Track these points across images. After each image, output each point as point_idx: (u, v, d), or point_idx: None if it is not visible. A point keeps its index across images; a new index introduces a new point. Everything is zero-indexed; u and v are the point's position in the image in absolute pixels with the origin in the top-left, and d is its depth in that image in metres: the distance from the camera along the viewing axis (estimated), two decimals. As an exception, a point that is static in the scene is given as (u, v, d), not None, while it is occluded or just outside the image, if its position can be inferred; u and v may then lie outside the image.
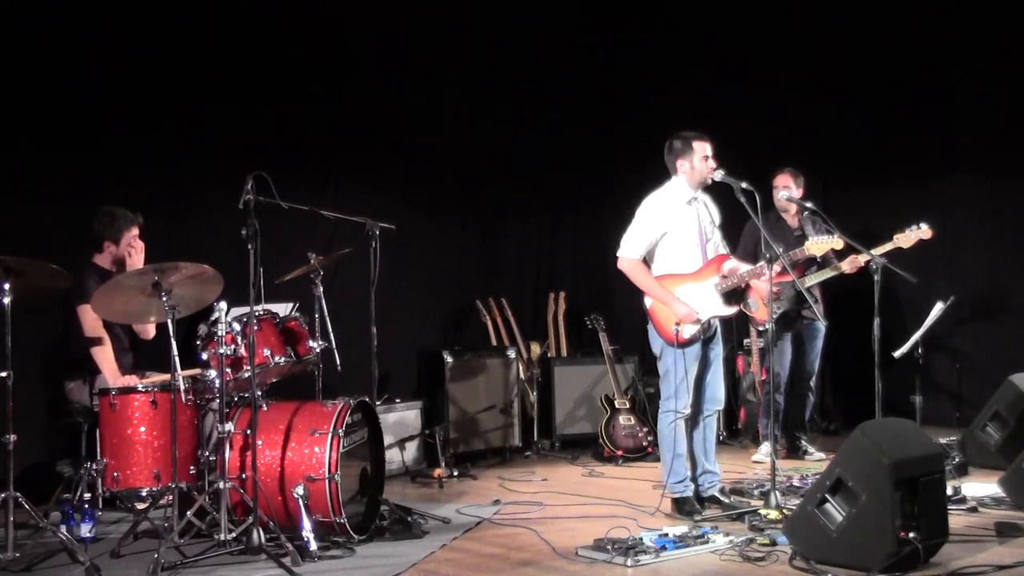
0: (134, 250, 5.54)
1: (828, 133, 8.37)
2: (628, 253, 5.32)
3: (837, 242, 5.99)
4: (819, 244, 6.09)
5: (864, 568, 3.99)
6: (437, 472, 6.51)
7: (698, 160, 5.30)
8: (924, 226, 6.15)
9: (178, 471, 4.64)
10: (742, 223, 6.56)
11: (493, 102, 8.15)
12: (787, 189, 6.65)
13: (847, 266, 6.38)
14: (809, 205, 6.08)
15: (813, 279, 6.55)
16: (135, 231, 5.57)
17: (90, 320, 5.23)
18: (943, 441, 6.27)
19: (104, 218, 5.55)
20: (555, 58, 8.39)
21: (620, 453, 7.07)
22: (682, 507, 5.23)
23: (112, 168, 6.17)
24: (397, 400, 6.95)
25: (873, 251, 5.81)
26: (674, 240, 5.30)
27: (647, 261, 5.36)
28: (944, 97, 7.86)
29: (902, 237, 6.15)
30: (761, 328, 6.83)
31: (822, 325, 6.77)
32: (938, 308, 6.36)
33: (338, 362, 5.42)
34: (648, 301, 5.33)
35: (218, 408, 4.77)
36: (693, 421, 5.37)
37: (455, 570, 4.36)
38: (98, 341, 5.32)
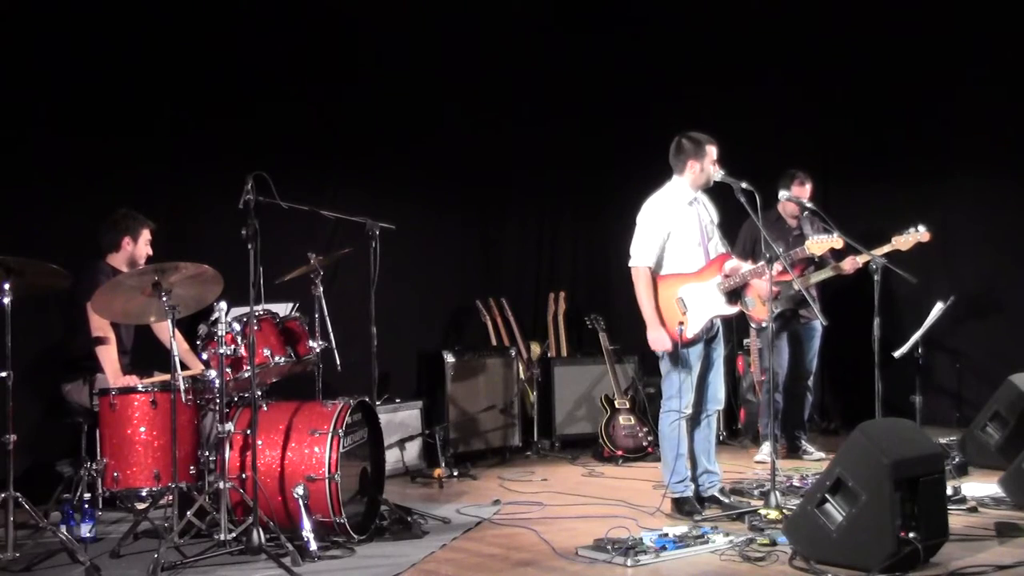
0: (147, 248, 5.57)
1: (828, 133, 8.37)
2: (639, 262, 5.28)
3: (837, 241, 5.99)
4: (819, 243, 6.10)
5: (864, 568, 4.00)
6: (437, 472, 6.50)
7: (708, 163, 5.30)
8: (922, 229, 6.14)
9: (178, 471, 4.64)
10: (740, 222, 6.57)
11: (493, 102, 8.15)
12: (804, 187, 6.64)
13: (847, 266, 6.39)
14: (809, 205, 6.09)
15: (813, 279, 6.56)
16: (148, 232, 5.60)
17: (98, 318, 5.22)
18: (943, 441, 6.28)
19: (124, 218, 5.59)
20: (555, 58, 8.39)
21: (620, 453, 7.07)
22: (682, 507, 5.23)
23: (112, 168, 6.17)
24: (397, 400, 6.95)
25: (862, 256, 5.81)
26: (677, 240, 5.29)
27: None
28: (944, 97, 7.86)
29: (900, 240, 6.14)
30: (756, 327, 6.85)
31: (819, 324, 6.78)
32: (938, 308, 6.36)
33: (338, 362, 5.42)
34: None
35: (218, 408, 4.77)
36: (694, 421, 5.37)
37: (455, 570, 4.36)
38: (103, 340, 5.32)
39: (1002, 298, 7.70)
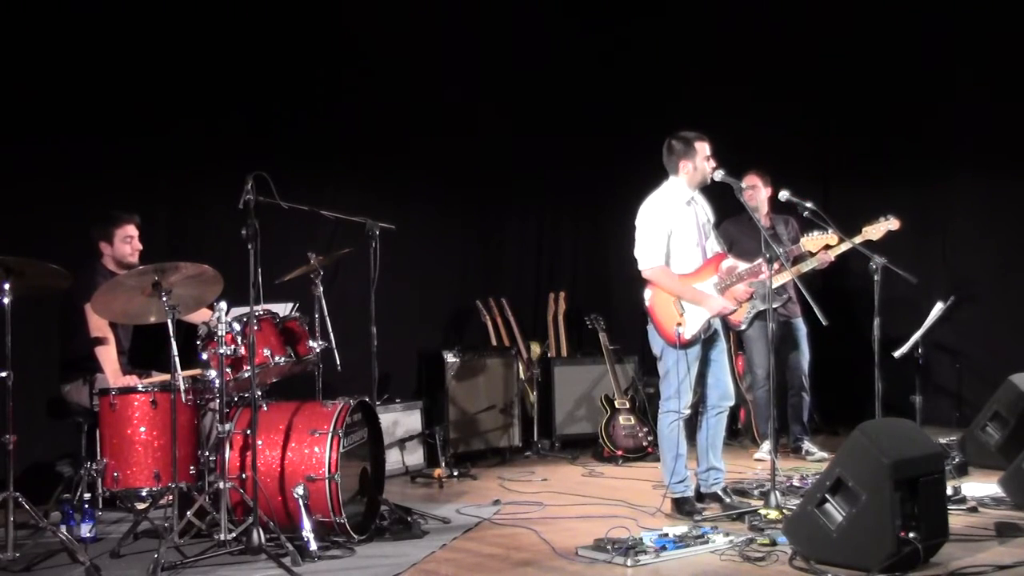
0: (128, 245, 5.54)
1: (828, 133, 8.36)
2: (651, 262, 5.24)
3: (832, 238, 5.99)
4: (814, 240, 6.11)
5: (864, 568, 4.00)
6: (437, 472, 6.51)
7: (701, 160, 5.30)
8: (891, 217, 6.10)
9: (178, 471, 4.64)
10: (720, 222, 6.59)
11: (493, 102, 8.15)
12: (755, 188, 6.67)
13: (816, 262, 6.37)
14: (809, 205, 6.08)
15: (805, 267, 6.48)
16: (128, 229, 5.57)
17: (96, 319, 5.22)
18: (943, 441, 6.27)
19: (97, 223, 5.58)
20: (555, 58, 8.39)
21: (620, 453, 7.07)
22: (682, 507, 5.23)
23: (112, 168, 6.17)
24: (397, 400, 6.95)
25: (842, 244, 5.82)
26: (676, 240, 5.28)
27: None
28: (944, 97, 7.87)
29: (870, 229, 6.09)
30: (735, 328, 6.89)
31: (802, 322, 6.79)
32: (938, 308, 6.36)
33: (338, 362, 5.42)
34: (648, 301, 5.32)
35: (218, 408, 4.77)
36: (702, 416, 5.37)
37: (455, 570, 4.36)
38: (103, 340, 5.32)
39: (1002, 298, 7.70)
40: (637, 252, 5.29)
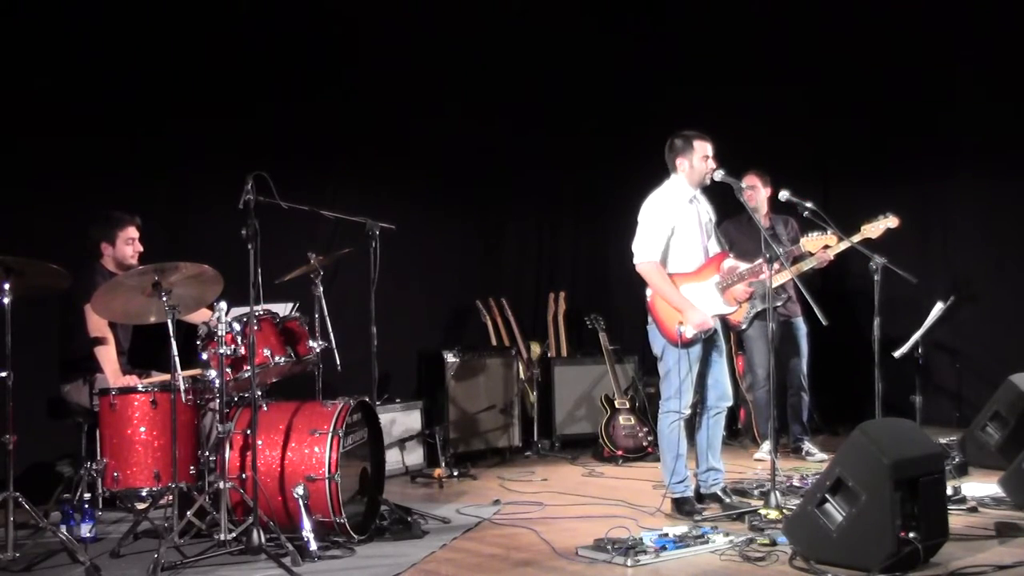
0: (130, 247, 5.54)
1: (828, 133, 8.36)
2: (646, 256, 5.25)
3: (831, 238, 6.00)
4: (813, 241, 6.11)
5: (864, 568, 4.00)
6: (437, 472, 6.51)
7: (698, 159, 5.30)
8: (890, 215, 6.10)
9: (178, 471, 4.64)
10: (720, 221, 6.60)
11: (493, 102, 8.15)
12: (755, 188, 6.67)
13: (815, 261, 6.36)
14: (809, 205, 6.08)
15: (805, 266, 6.48)
16: (131, 231, 5.57)
17: (96, 319, 5.22)
18: (943, 441, 6.28)
19: (98, 222, 5.58)
20: (555, 58, 8.39)
21: (620, 453, 7.07)
22: (682, 507, 5.23)
23: (112, 168, 6.17)
24: (397, 400, 6.95)
25: (841, 244, 5.82)
26: (679, 238, 5.28)
27: None
28: (944, 97, 7.87)
29: (869, 227, 6.09)
30: (735, 329, 6.90)
31: (803, 322, 6.78)
32: (938, 308, 6.36)
33: (338, 362, 5.42)
34: (649, 299, 5.31)
35: (218, 408, 4.77)
36: (701, 417, 5.37)
37: (455, 570, 4.36)
38: (102, 341, 5.32)
39: (1002, 298, 7.70)
40: (635, 245, 5.30)
